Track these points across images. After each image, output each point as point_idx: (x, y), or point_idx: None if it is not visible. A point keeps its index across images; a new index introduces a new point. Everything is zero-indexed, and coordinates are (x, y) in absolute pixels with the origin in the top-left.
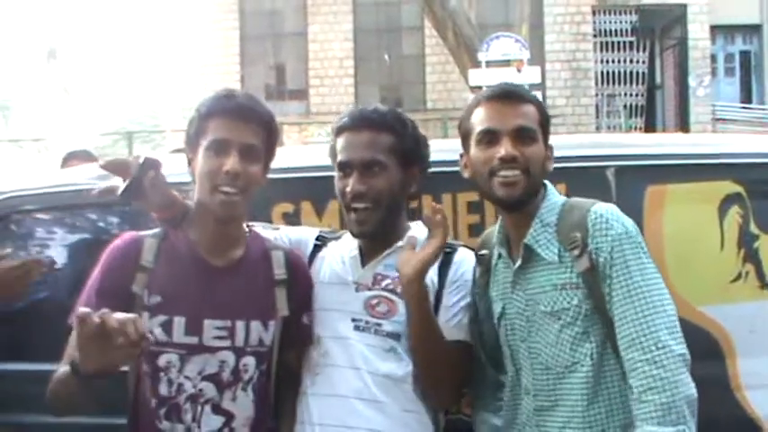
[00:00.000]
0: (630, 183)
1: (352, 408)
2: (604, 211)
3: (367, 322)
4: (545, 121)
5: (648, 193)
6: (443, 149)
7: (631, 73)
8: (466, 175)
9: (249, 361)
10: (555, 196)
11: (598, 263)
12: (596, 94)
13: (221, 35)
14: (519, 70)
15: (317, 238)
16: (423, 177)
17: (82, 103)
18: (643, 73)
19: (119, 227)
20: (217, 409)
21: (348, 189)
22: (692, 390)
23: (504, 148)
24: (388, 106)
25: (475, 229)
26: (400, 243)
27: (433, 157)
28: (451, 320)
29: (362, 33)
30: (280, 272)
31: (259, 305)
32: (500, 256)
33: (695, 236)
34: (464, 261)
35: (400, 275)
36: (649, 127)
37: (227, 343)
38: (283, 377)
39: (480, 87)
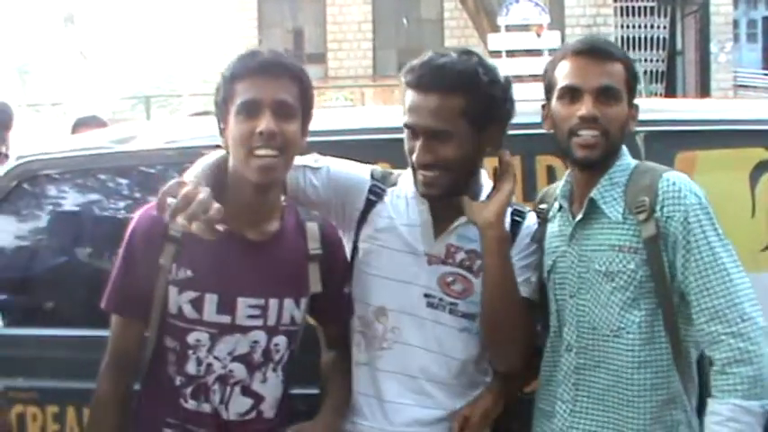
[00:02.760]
0: (660, 149)
1: (422, 388)
2: (677, 179)
3: (441, 300)
4: (632, 80)
5: (678, 159)
6: None
7: (652, 38)
8: (546, 127)
9: (281, 340)
10: (629, 158)
11: (667, 231)
12: None
13: None
14: (539, 35)
15: (371, 189)
16: (503, 134)
17: (99, 67)
18: (664, 39)
19: (140, 191)
20: (246, 391)
21: (415, 156)
22: None
23: (585, 107)
24: (464, 54)
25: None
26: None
27: None
28: (519, 276)
29: None
30: (314, 246)
31: (293, 282)
32: (560, 208)
33: (725, 204)
34: (534, 225)
35: (478, 221)
36: (669, 93)
37: (259, 322)
38: (334, 347)
39: (499, 52)
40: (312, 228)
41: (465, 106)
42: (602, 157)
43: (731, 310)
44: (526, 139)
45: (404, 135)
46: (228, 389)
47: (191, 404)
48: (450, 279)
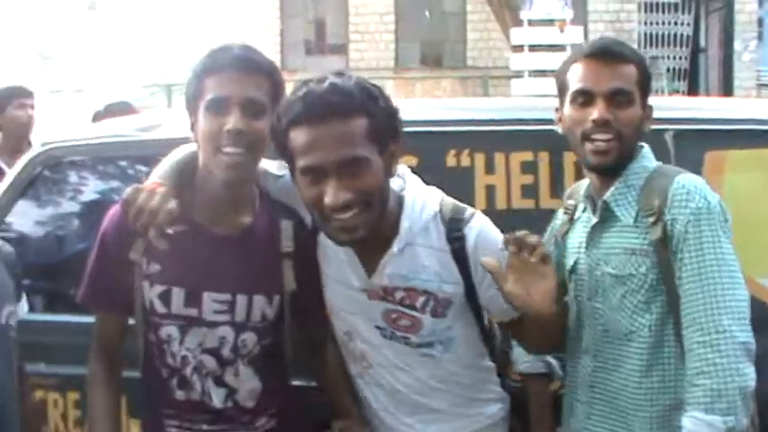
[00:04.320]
0: (689, 147)
1: (416, 401)
2: (687, 182)
3: (393, 333)
4: (645, 81)
5: (707, 158)
6: (495, 108)
7: (675, 35)
8: (559, 129)
9: (248, 336)
10: (649, 160)
11: (672, 235)
12: None
13: None
14: (561, 30)
15: None
16: (399, 149)
17: (122, 54)
18: (687, 36)
19: None
20: (219, 382)
21: (327, 200)
22: (748, 380)
23: (597, 111)
24: (339, 74)
25: (527, 190)
26: (395, 247)
27: (485, 116)
28: (499, 300)
29: None
30: (288, 244)
31: (264, 279)
32: (585, 209)
33: (756, 204)
34: (482, 231)
35: (540, 309)
36: (692, 91)
37: (226, 317)
38: (312, 348)
39: (522, 47)
40: (287, 226)
41: (369, 126)
42: (616, 162)
43: (707, 320)
44: (554, 135)
45: (299, 184)
46: (204, 379)
47: (179, 395)
48: (394, 316)
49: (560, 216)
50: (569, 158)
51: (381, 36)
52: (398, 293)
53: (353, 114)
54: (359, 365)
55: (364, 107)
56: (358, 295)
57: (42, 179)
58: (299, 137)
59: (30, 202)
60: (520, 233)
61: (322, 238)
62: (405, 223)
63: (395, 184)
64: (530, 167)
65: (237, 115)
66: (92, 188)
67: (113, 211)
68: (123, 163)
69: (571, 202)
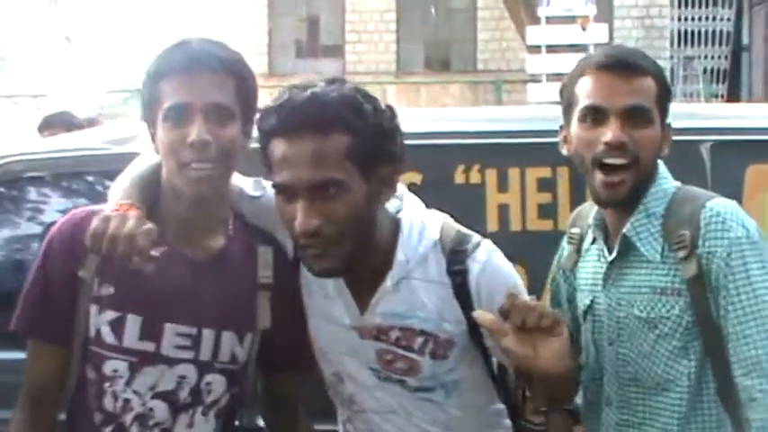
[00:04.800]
0: (728, 161)
1: None
2: (722, 209)
3: (388, 376)
4: (664, 97)
5: (749, 173)
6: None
7: (713, 32)
8: (564, 151)
9: (216, 380)
10: (667, 181)
11: (710, 269)
12: (672, 57)
13: None
14: (584, 28)
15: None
16: (399, 171)
17: (86, 55)
18: (728, 32)
19: None
20: None
21: (297, 225)
22: None
23: (611, 132)
24: (333, 82)
25: (545, 210)
26: (389, 282)
27: (497, 126)
28: None
29: None
30: (265, 274)
31: (236, 313)
32: (594, 240)
33: None
34: (489, 263)
35: (551, 369)
36: (733, 95)
37: (189, 354)
38: (278, 404)
39: (539, 47)
40: (264, 253)
41: (350, 145)
42: (629, 197)
43: None
44: None
45: (275, 202)
46: (148, 431)
47: None
48: (389, 357)
49: (565, 246)
50: None
51: (381, 36)
52: (393, 333)
53: (331, 130)
54: (348, 410)
55: (344, 123)
56: (348, 334)
57: None
58: (276, 149)
59: None
60: (519, 301)
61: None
62: (400, 255)
63: (391, 205)
64: (548, 185)
65: (200, 124)
66: (55, 208)
67: (64, 220)
68: (92, 179)
69: (575, 230)
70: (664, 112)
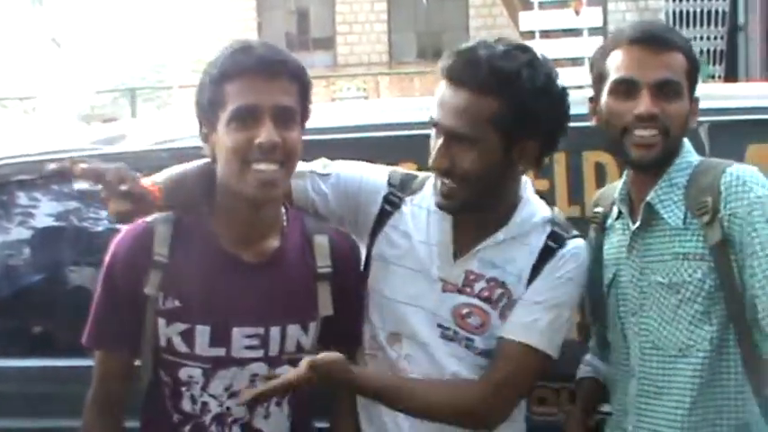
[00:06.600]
0: (727, 141)
1: (436, 426)
2: (742, 173)
3: (456, 333)
4: (693, 71)
5: (749, 152)
6: None
7: (710, 12)
8: (594, 122)
9: (285, 370)
10: (691, 155)
11: (732, 231)
12: None
13: None
14: (577, 12)
15: (386, 198)
16: (546, 153)
17: (74, 55)
18: (723, 12)
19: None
20: (247, 429)
21: (431, 158)
22: None
23: (642, 104)
24: (516, 49)
25: (541, 198)
26: (501, 235)
27: None
28: (524, 317)
29: None
30: (324, 263)
31: (298, 306)
32: (620, 214)
33: None
34: (573, 256)
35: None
36: (730, 76)
37: (259, 353)
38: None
39: (532, 33)
40: (321, 242)
41: (496, 112)
42: (661, 158)
43: None
44: (572, 134)
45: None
46: (227, 429)
47: None
48: (465, 311)
49: (591, 230)
50: (589, 160)
51: (372, 27)
52: (479, 284)
53: (487, 94)
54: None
55: (499, 91)
56: (431, 285)
57: None
58: (440, 88)
59: None
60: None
61: (402, 223)
62: (518, 218)
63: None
64: (544, 171)
65: (269, 126)
66: (45, 211)
67: (123, 236)
68: (82, 181)
69: (599, 209)
70: (692, 86)
